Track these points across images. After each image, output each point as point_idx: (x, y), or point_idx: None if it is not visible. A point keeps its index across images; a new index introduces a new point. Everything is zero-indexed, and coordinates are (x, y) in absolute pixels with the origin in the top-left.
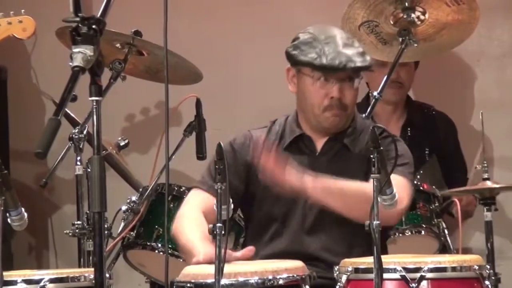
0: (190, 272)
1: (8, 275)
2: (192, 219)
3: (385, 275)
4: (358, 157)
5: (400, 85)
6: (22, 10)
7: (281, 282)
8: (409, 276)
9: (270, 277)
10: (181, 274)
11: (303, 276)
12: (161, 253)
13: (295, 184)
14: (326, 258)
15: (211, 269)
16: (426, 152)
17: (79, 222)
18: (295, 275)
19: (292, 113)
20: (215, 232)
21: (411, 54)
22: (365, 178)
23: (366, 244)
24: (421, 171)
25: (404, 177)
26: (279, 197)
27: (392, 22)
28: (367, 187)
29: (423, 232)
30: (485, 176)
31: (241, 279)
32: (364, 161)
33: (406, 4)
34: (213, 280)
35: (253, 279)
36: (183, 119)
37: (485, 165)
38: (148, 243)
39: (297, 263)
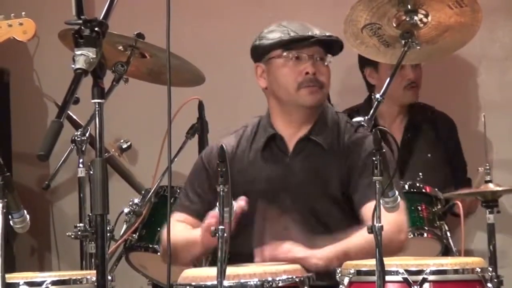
0: (189, 275)
1: (10, 277)
2: (182, 227)
3: (387, 278)
4: (334, 155)
5: (416, 86)
6: (23, 13)
7: (280, 284)
8: (411, 278)
9: (270, 279)
10: (180, 277)
11: (302, 278)
12: None
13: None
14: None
15: (209, 271)
16: (428, 152)
17: (81, 225)
18: (294, 277)
19: (265, 113)
20: (217, 235)
21: (414, 56)
22: (344, 181)
23: None
24: (423, 172)
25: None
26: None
27: (394, 25)
28: (364, 238)
29: (425, 235)
30: (488, 178)
31: (240, 281)
32: (340, 159)
33: (409, 6)
34: (212, 282)
35: (253, 281)
36: (186, 121)
37: (488, 167)
38: (150, 245)
39: (296, 266)
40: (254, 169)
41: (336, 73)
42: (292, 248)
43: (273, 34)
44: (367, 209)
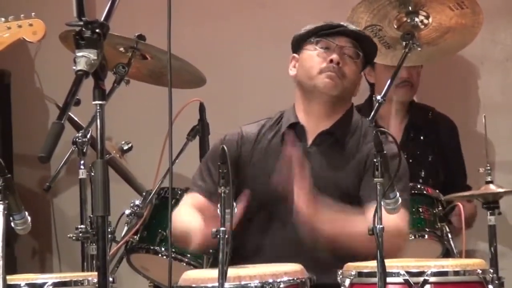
0: (190, 276)
1: (12, 279)
2: (187, 213)
3: (389, 279)
4: (351, 156)
5: (411, 84)
6: (33, 13)
7: (282, 285)
8: (412, 280)
9: (270, 280)
10: (181, 278)
11: (303, 280)
12: (165, 257)
13: (307, 208)
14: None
15: (210, 273)
16: (429, 154)
17: (82, 226)
18: (295, 279)
19: (290, 107)
20: (218, 236)
21: (414, 58)
22: (358, 180)
23: None
24: (424, 173)
25: (403, 207)
26: (266, 192)
27: (395, 26)
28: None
29: (426, 236)
30: (488, 179)
31: (241, 283)
32: (357, 162)
33: (410, 8)
34: (213, 284)
35: (253, 283)
36: (187, 123)
37: (488, 168)
38: (152, 247)
39: (296, 267)
40: (273, 153)
41: None
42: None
43: (311, 26)
44: (369, 209)
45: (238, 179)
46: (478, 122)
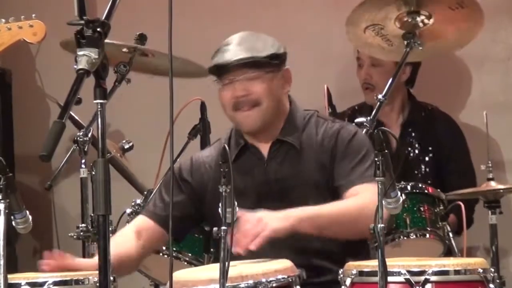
0: (180, 279)
1: (13, 277)
2: (116, 239)
3: (390, 278)
4: (309, 152)
5: (371, 87)
6: (33, 15)
7: (274, 284)
8: (413, 279)
9: (263, 280)
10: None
11: (294, 278)
12: (166, 256)
13: (282, 230)
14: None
15: (201, 274)
16: (427, 152)
17: (83, 225)
18: (286, 277)
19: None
20: (219, 235)
21: (415, 55)
22: (325, 172)
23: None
24: (422, 172)
25: (368, 181)
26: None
27: (397, 25)
28: (348, 205)
29: (427, 235)
30: (490, 176)
31: (234, 284)
32: (319, 154)
33: (411, 8)
34: (204, 286)
35: (245, 283)
36: (188, 122)
37: (490, 165)
38: None
39: (286, 263)
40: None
41: (337, 74)
42: (263, 217)
43: (212, 59)
44: (350, 194)
45: (195, 205)
46: (480, 121)
